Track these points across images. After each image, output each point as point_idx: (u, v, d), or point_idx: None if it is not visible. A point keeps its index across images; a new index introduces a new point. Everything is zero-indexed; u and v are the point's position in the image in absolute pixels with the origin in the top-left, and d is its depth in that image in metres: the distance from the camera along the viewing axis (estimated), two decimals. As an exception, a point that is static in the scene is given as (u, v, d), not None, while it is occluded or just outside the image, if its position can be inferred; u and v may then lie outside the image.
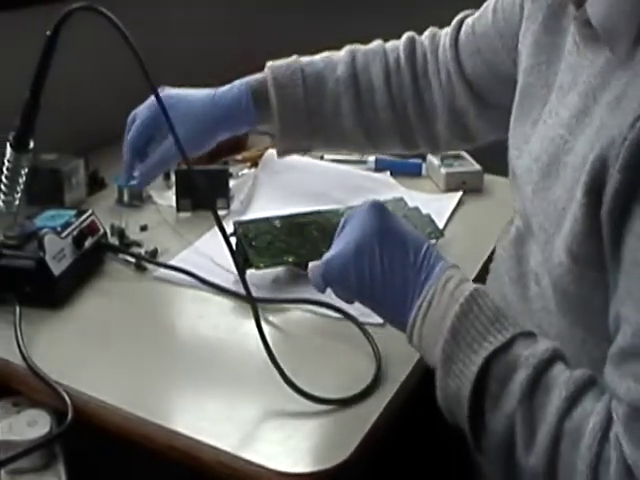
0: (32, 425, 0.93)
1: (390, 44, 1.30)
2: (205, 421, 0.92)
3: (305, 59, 1.27)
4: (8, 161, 1.08)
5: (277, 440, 0.90)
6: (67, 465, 0.92)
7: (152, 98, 1.21)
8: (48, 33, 1.01)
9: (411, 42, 1.28)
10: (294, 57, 1.26)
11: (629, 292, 0.77)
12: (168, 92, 1.24)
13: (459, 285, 0.88)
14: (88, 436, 0.95)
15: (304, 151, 1.30)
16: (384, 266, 0.90)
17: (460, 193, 1.51)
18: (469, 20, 1.24)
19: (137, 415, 0.93)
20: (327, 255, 0.95)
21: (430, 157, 1.59)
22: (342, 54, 1.28)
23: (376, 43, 1.29)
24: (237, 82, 1.26)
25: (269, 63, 1.25)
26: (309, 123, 1.25)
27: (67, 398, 0.94)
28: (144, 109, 1.25)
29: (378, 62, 1.25)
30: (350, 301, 0.98)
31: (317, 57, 1.28)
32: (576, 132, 0.87)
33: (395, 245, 0.91)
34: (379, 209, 0.94)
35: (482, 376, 0.82)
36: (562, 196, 0.86)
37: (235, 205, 1.46)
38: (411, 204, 1.39)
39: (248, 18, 2.13)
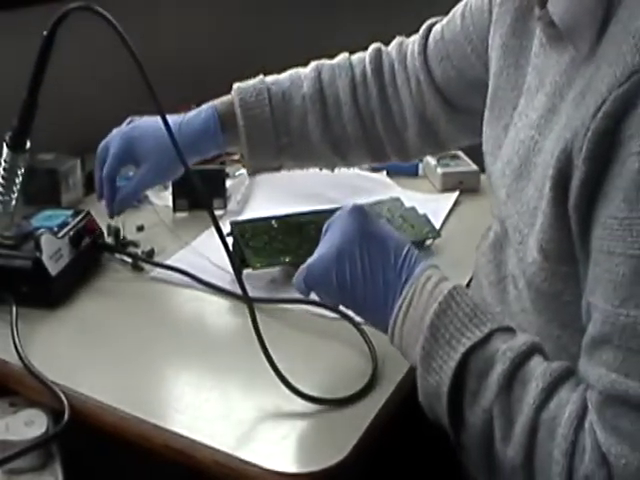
0: (29, 425, 0.93)
1: (356, 57, 1.29)
2: (201, 421, 0.92)
3: (271, 78, 1.26)
4: (5, 161, 1.08)
5: (273, 440, 0.90)
6: (64, 465, 0.92)
7: (122, 126, 1.28)
8: (45, 33, 1.01)
9: (377, 53, 1.27)
10: (260, 77, 1.26)
11: (597, 281, 0.77)
12: (135, 124, 1.26)
13: (438, 284, 0.89)
14: (85, 436, 0.95)
15: (275, 170, 1.29)
16: (365, 269, 0.92)
17: (457, 193, 1.51)
18: (437, 26, 1.24)
19: (134, 415, 0.93)
20: (309, 260, 0.97)
21: (427, 157, 1.59)
22: (308, 70, 1.28)
23: (342, 56, 1.29)
24: (204, 106, 1.26)
25: (235, 85, 1.25)
26: (277, 142, 1.25)
27: (64, 398, 0.94)
28: (117, 139, 1.27)
29: (344, 76, 1.25)
30: (335, 305, 1.00)
31: (283, 75, 1.28)
32: (545, 132, 0.88)
33: (376, 248, 0.92)
34: (360, 213, 0.95)
35: (460, 372, 0.83)
36: (533, 195, 0.87)
37: (232, 205, 1.46)
38: (408, 204, 1.39)
39: (246, 18, 2.13)
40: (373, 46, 1.29)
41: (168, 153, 1.03)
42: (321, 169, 1.33)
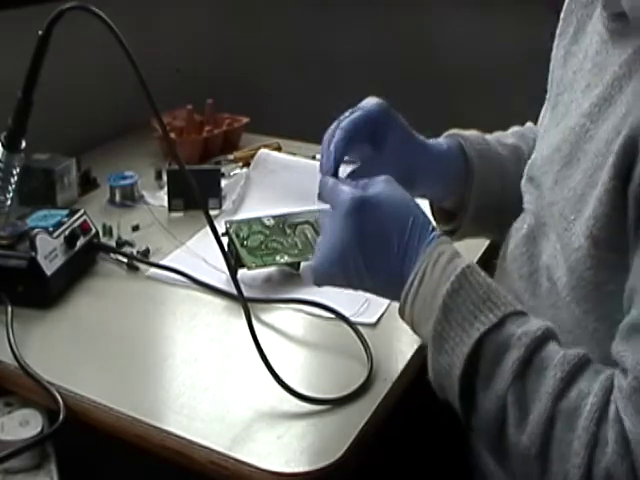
0: (24, 425, 0.93)
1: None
2: (197, 421, 0.92)
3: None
4: (0, 161, 1.08)
5: (269, 440, 0.90)
6: (59, 465, 0.92)
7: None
8: (40, 33, 1.01)
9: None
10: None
11: None
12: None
13: (451, 261, 0.88)
14: (80, 436, 0.95)
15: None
16: (368, 265, 0.92)
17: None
18: None
19: (129, 415, 0.93)
20: (314, 260, 0.96)
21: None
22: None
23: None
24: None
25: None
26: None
27: (59, 398, 0.94)
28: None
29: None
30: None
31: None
32: (598, 121, 0.88)
33: (375, 243, 0.91)
34: (356, 209, 0.92)
35: (473, 357, 0.82)
36: (581, 182, 0.87)
37: (227, 205, 1.46)
38: (403, 204, 1.39)
39: (246, 17, 2.13)
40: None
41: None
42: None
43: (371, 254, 0.92)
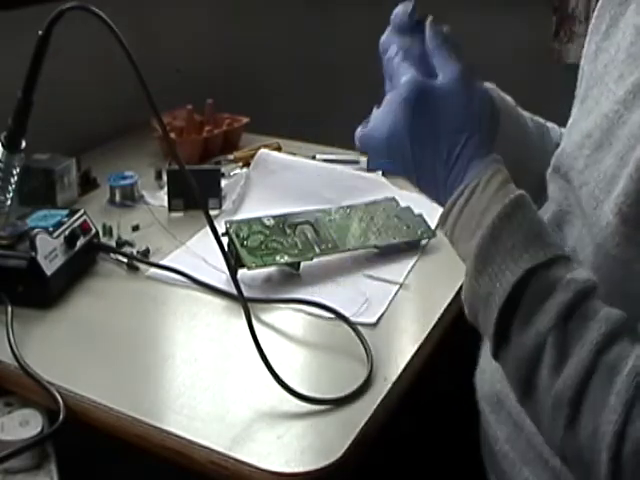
0: (24, 425, 0.93)
1: None
2: (197, 421, 0.92)
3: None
4: (0, 161, 1.08)
5: (269, 440, 0.90)
6: (59, 465, 0.92)
7: None
8: (40, 33, 1.01)
9: None
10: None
11: None
12: None
13: (505, 183, 0.86)
14: (80, 436, 0.95)
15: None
16: (415, 156, 0.90)
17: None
18: None
19: (129, 415, 0.93)
20: (367, 125, 0.93)
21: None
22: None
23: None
24: None
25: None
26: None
27: (59, 398, 0.94)
28: None
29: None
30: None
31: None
32: (632, 107, 0.87)
33: (425, 139, 0.89)
34: (414, 96, 0.89)
35: (518, 288, 0.80)
36: (613, 164, 0.86)
37: (227, 205, 1.46)
38: (403, 204, 1.39)
39: (245, 17, 2.13)
40: None
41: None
42: None
43: (418, 148, 0.89)
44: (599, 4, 1.05)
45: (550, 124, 1.19)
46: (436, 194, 0.91)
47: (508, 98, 1.11)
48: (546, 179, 1.04)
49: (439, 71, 0.91)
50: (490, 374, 0.98)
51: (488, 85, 1.08)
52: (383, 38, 0.97)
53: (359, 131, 0.94)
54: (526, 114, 1.14)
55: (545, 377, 0.78)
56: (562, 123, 1.15)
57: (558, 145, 1.10)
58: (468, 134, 0.89)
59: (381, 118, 0.91)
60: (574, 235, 0.93)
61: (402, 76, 0.90)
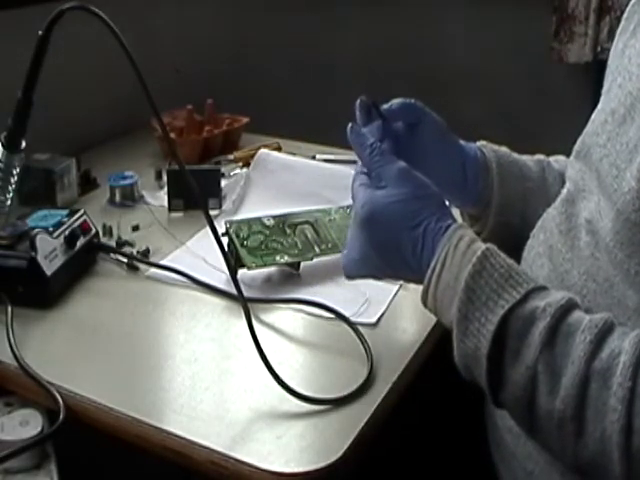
0: (24, 425, 0.93)
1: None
2: (197, 421, 0.92)
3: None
4: (0, 161, 1.08)
5: (269, 440, 0.90)
6: (59, 465, 0.92)
7: None
8: (40, 33, 1.01)
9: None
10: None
11: None
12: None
13: (470, 245, 0.90)
14: (80, 436, 0.95)
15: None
16: (388, 265, 0.98)
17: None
18: None
19: (130, 415, 0.93)
20: (343, 255, 1.04)
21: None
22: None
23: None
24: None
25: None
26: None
27: (59, 398, 0.94)
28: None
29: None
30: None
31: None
32: None
33: (390, 249, 0.96)
34: (366, 221, 0.97)
35: (500, 334, 0.83)
36: (635, 135, 0.88)
37: (227, 205, 1.46)
38: (403, 204, 1.39)
39: (245, 17, 2.13)
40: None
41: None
42: None
43: (388, 258, 0.97)
44: (628, 7, 1.07)
45: (553, 158, 1.22)
46: (417, 281, 0.96)
47: (503, 149, 1.18)
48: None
49: (382, 177, 0.99)
50: None
51: (478, 144, 1.14)
52: (352, 138, 1.03)
53: (342, 259, 1.04)
54: (525, 157, 1.21)
55: (544, 403, 0.81)
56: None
57: (561, 175, 1.12)
58: (425, 223, 0.95)
59: (350, 245, 1.01)
60: (590, 207, 0.95)
61: (357, 199, 0.99)
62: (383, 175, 0.98)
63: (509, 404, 0.86)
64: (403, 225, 0.95)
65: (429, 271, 0.92)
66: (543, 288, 0.87)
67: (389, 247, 0.96)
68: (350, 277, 1.05)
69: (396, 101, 1.11)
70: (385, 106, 1.10)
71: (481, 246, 0.89)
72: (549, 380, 0.80)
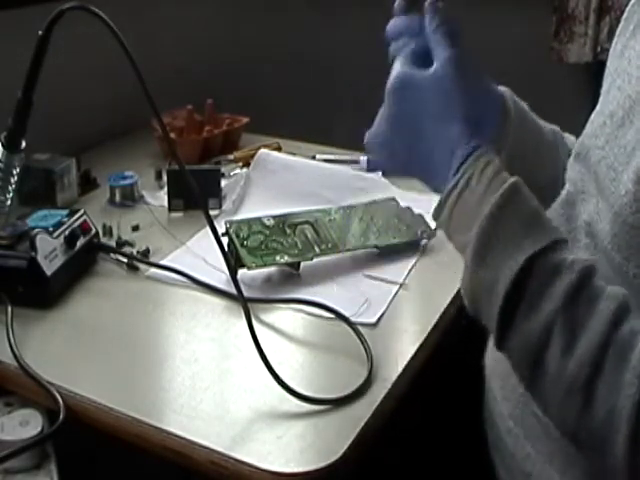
0: (24, 425, 0.93)
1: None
2: (197, 421, 0.92)
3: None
4: (0, 161, 1.08)
5: (269, 440, 0.90)
6: (59, 465, 0.92)
7: None
8: (40, 33, 1.01)
9: None
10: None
11: None
12: None
13: (499, 172, 0.86)
14: (80, 436, 0.95)
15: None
16: (407, 147, 0.92)
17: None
18: None
19: (130, 415, 0.93)
20: (371, 130, 0.96)
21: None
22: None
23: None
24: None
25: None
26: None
27: (59, 398, 0.94)
28: None
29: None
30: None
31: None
32: None
33: (412, 131, 0.91)
34: (398, 88, 0.91)
35: (523, 274, 0.80)
36: (633, 138, 0.87)
37: (227, 205, 1.46)
38: (403, 204, 1.39)
39: (245, 17, 2.13)
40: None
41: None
42: None
43: (408, 139, 0.91)
44: (627, 8, 1.07)
45: (566, 134, 1.20)
46: (429, 182, 0.92)
47: (522, 103, 1.11)
48: (557, 182, 1.04)
49: (434, 57, 0.92)
50: None
51: (502, 88, 1.09)
52: (389, 25, 0.98)
53: (366, 136, 0.96)
54: (542, 122, 1.15)
55: (556, 360, 0.78)
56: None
57: (569, 151, 1.11)
58: (458, 126, 0.89)
59: (377, 118, 0.94)
60: (589, 210, 0.94)
61: (394, 70, 0.92)
62: (436, 55, 0.91)
63: (515, 352, 0.83)
64: (432, 109, 0.90)
65: (450, 184, 0.87)
66: (567, 241, 0.84)
67: (409, 127, 0.91)
68: (370, 151, 0.96)
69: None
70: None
71: (509, 178, 0.85)
72: (566, 338, 0.77)
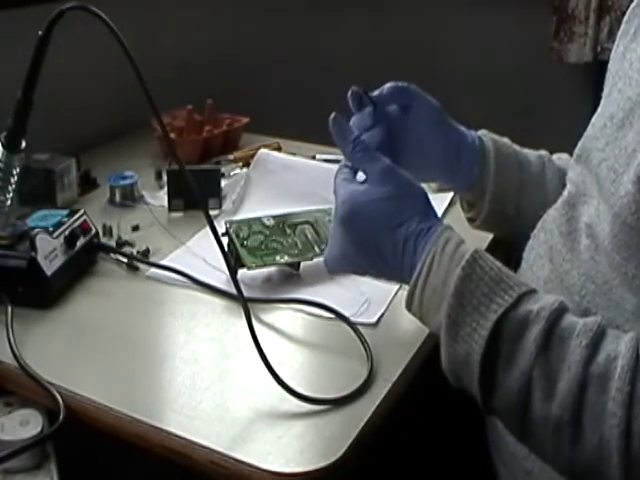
0: (24, 425, 0.93)
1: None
2: (197, 421, 0.92)
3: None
4: (0, 161, 1.08)
5: (269, 440, 0.90)
6: (59, 465, 0.92)
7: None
8: (40, 33, 1.01)
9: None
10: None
11: None
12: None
13: (458, 248, 0.89)
14: (80, 436, 0.95)
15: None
16: (369, 263, 0.97)
17: (451, 193, 1.51)
18: None
19: (129, 415, 0.93)
20: (326, 252, 1.03)
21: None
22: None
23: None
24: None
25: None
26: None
27: (59, 398, 0.94)
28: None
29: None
30: None
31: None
32: None
33: (369, 249, 0.95)
34: (346, 219, 0.96)
35: (493, 339, 0.83)
36: (633, 140, 0.88)
37: (227, 205, 1.46)
38: (403, 204, 1.39)
39: (245, 17, 2.13)
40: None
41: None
42: None
43: (368, 257, 0.96)
44: (629, 10, 1.08)
45: (557, 154, 1.22)
46: (400, 282, 0.99)
47: (503, 139, 1.18)
48: (545, 207, 1.07)
49: (368, 173, 0.97)
50: None
51: (480, 132, 1.14)
52: (334, 130, 1.01)
53: (326, 261, 1.03)
54: (527, 150, 1.21)
55: (539, 409, 0.80)
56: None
57: (561, 171, 1.13)
58: (406, 224, 0.93)
59: (331, 241, 1.00)
60: (590, 212, 0.95)
61: (339, 195, 0.98)
62: (366, 172, 0.97)
63: (502, 410, 0.86)
64: (383, 225, 0.94)
65: (414, 275, 0.91)
66: (534, 291, 0.86)
67: (368, 247, 0.95)
68: (332, 272, 1.05)
69: (388, 85, 1.11)
70: (376, 92, 1.10)
71: (469, 249, 0.88)
72: (545, 385, 0.80)
